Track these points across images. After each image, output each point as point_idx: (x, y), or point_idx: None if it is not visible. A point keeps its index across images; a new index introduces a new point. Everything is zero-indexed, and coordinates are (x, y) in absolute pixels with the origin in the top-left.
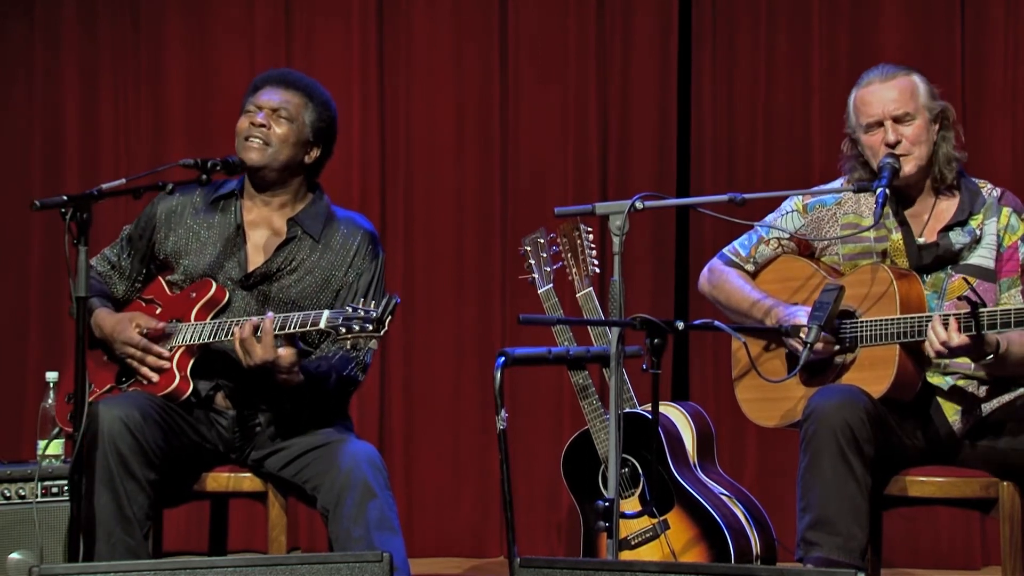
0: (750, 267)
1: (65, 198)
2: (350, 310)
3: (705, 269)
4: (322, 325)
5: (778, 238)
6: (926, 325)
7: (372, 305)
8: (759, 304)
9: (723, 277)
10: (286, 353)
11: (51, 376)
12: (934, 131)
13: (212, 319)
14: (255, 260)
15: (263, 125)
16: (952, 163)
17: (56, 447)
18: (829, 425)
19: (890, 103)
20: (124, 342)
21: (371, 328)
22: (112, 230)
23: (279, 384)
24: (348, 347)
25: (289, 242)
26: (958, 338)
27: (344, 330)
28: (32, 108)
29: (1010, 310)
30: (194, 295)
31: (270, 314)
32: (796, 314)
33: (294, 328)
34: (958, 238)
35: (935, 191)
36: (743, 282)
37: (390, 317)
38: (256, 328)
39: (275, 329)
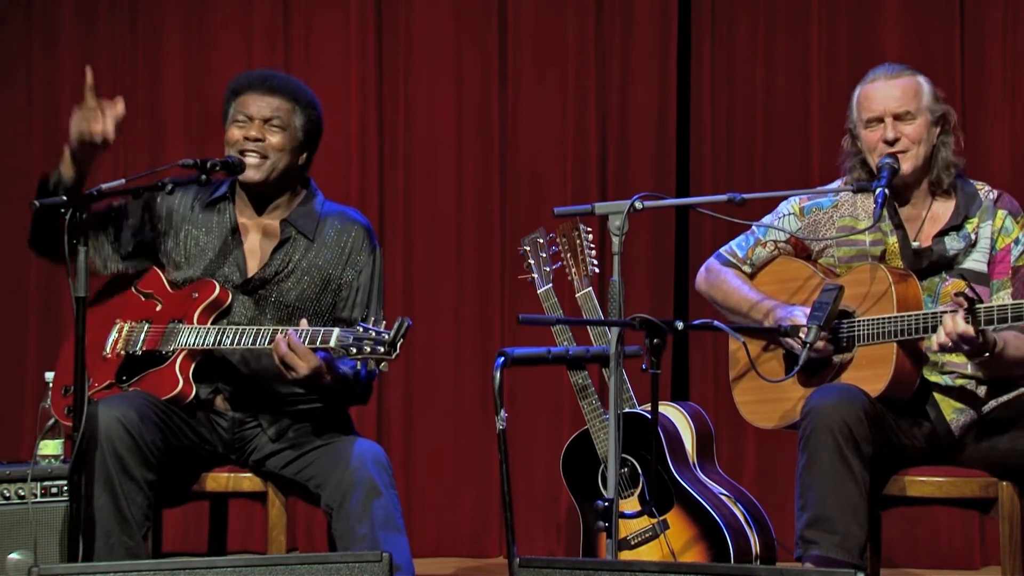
0: (747, 268)
1: (65, 198)
2: (361, 329)
3: (702, 268)
4: (332, 344)
5: (775, 240)
6: (922, 324)
7: (383, 326)
8: (759, 305)
9: (721, 277)
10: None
11: (50, 376)
12: (934, 133)
13: (213, 323)
14: (252, 265)
15: (259, 139)
16: (950, 168)
17: (55, 447)
18: (827, 424)
19: (892, 100)
20: (74, 129)
21: (382, 351)
22: None
23: (321, 386)
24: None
25: (284, 244)
26: (964, 325)
27: (355, 350)
28: (32, 108)
29: (1006, 305)
30: (196, 295)
31: (290, 330)
32: (794, 313)
33: (304, 344)
34: (953, 243)
35: (931, 194)
36: (741, 283)
37: (402, 340)
38: (288, 345)
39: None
